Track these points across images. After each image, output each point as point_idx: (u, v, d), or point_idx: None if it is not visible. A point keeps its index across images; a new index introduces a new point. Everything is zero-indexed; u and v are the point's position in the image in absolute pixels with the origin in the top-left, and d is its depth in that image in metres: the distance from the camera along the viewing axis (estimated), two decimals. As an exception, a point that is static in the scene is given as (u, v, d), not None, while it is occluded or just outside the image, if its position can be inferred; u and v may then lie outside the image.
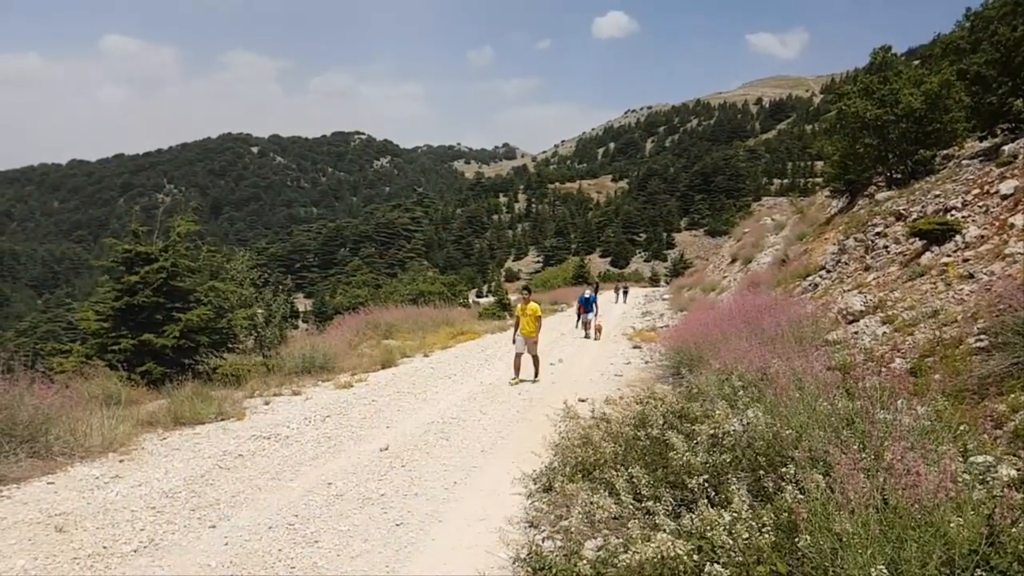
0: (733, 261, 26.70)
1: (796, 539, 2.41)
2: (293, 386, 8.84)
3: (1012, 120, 11.52)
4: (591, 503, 3.42)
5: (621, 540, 3.00)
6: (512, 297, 29.43)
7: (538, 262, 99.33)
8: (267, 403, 7.80)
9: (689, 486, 3.24)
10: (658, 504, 3.20)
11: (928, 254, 8.39)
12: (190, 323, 8.24)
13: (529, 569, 3.15)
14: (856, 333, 7.08)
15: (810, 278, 11.87)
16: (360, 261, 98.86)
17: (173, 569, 3.43)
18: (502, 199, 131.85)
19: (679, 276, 52.40)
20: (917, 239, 8.97)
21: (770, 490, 2.96)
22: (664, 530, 2.75)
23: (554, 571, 3.00)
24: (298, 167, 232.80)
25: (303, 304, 68.26)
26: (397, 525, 4.02)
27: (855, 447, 2.81)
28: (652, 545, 2.60)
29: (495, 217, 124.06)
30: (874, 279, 9.11)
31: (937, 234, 8.45)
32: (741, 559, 2.53)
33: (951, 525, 2.25)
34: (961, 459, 2.87)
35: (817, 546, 2.35)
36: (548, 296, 35.52)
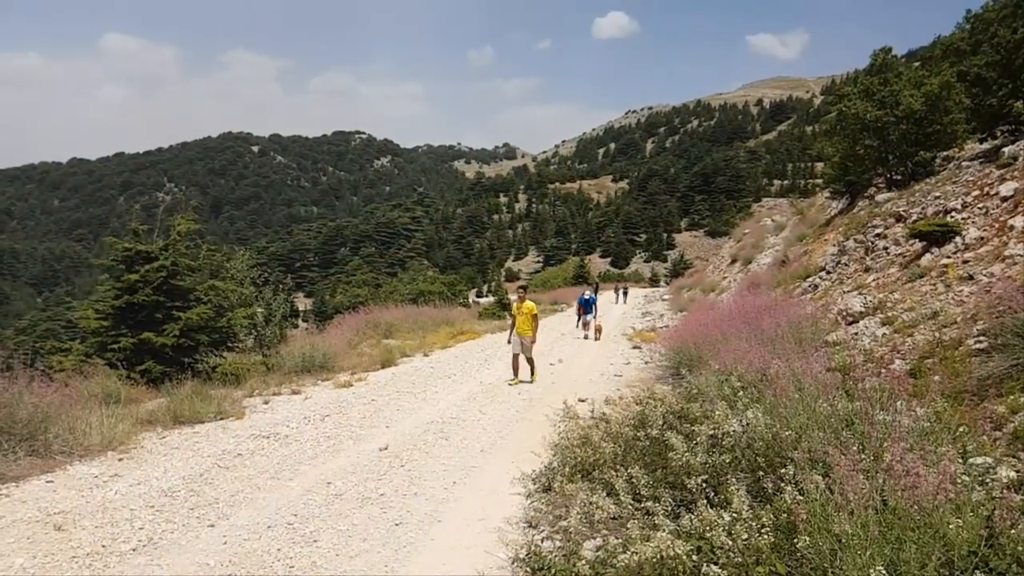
0: (733, 262, 26.71)
1: (795, 540, 2.41)
2: (293, 385, 8.84)
3: (1012, 122, 11.53)
4: (590, 503, 3.42)
5: (620, 540, 3.00)
6: (512, 297, 29.40)
7: (538, 262, 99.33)
8: (266, 402, 7.80)
9: (688, 486, 3.23)
10: (657, 504, 3.20)
11: (928, 255, 8.39)
12: (190, 322, 8.24)
13: (528, 569, 3.15)
14: (856, 334, 7.08)
15: (810, 279, 11.87)
16: (360, 260, 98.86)
17: (172, 568, 3.43)
18: (502, 199, 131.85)
19: (679, 277, 52.42)
20: (917, 240, 8.97)
21: (769, 491, 2.96)
22: (663, 530, 2.75)
23: (553, 571, 3.00)
24: (298, 166, 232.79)
25: (303, 303, 68.25)
26: (396, 525, 4.02)
27: (854, 448, 2.81)
28: (651, 545, 2.60)
29: (495, 217, 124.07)
30: (874, 280, 9.11)
31: (937, 236, 8.45)
32: (740, 560, 2.53)
33: (950, 526, 2.25)
34: (960, 460, 2.87)
35: (816, 547, 2.35)
36: (548, 296, 35.52)
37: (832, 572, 2.27)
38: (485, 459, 5.46)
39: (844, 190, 16.91)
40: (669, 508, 3.22)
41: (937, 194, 10.08)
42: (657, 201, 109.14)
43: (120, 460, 5.30)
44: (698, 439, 3.69)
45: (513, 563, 3.35)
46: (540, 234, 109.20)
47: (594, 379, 9.63)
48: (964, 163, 11.40)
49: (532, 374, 9.44)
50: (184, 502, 4.37)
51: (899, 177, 13.46)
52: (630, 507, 3.32)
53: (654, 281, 70.41)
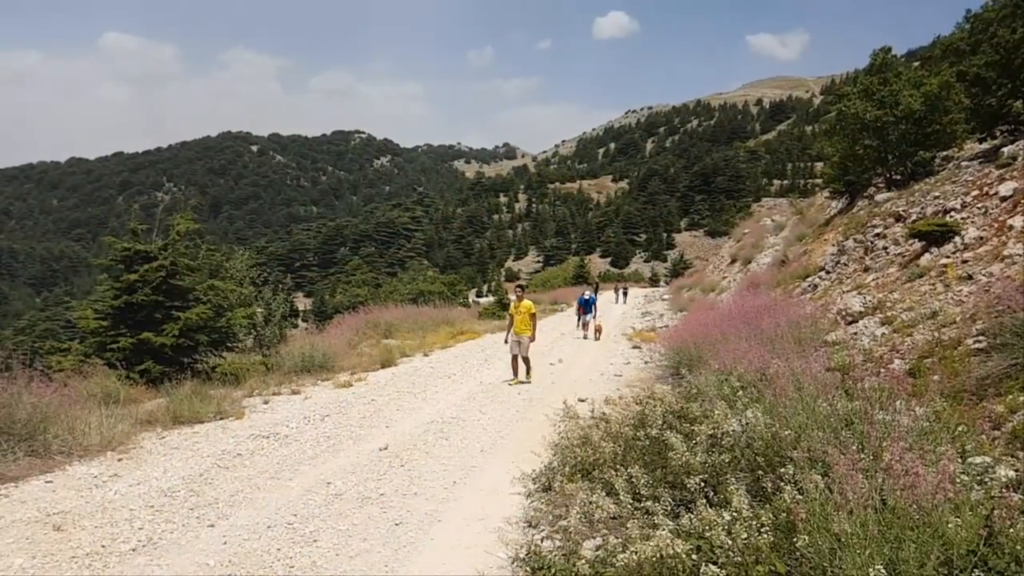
0: (733, 262, 26.72)
1: (795, 539, 2.41)
2: (292, 385, 8.84)
3: (1011, 122, 11.55)
4: (590, 503, 3.42)
5: (620, 540, 3.00)
6: (512, 297, 29.35)
7: (538, 262, 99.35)
8: (266, 402, 7.80)
9: (688, 486, 3.24)
10: (657, 504, 3.21)
11: (927, 255, 8.39)
12: (189, 322, 8.23)
13: (528, 569, 3.15)
14: (855, 334, 7.09)
15: (809, 279, 11.88)
16: (360, 260, 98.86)
17: (171, 568, 3.43)
18: (502, 199, 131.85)
19: (679, 276, 52.43)
20: (916, 240, 8.97)
21: (769, 490, 2.96)
22: (663, 530, 2.75)
23: (553, 571, 3.00)
24: (298, 166, 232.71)
25: (303, 303, 68.23)
26: (396, 524, 4.02)
27: (854, 448, 2.81)
28: (651, 544, 2.60)
29: (495, 217, 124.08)
30: (873, 280, 9.11)
31: (936, 235, 8.45)
32: (740, 559, 2.53)
33: (949, 526, 2.25)
34: (959, 460, 2.87)
35: (816, 546, 2.35)
36: (548, 296, 35.50)
37: (831, 571, 2.27)
38: (485, 459, 5.46)
39: (844, 190, 16.92)
40: (669, 507, 3.22)
41: (936, 194, 10.09)
42: (657, 201, 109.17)
43: (119, 460, 5.30)
44: (698, 439, 3.70)
45: (513, 563, 3.35)
46: (540, 234, 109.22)
47: (594, 379, 9.63)
48: (963, 163, 11.41)
49: (528, 374, 9.34)
50: (184, 502, 4.37)
51: (899, 177, 13.47)
52: (630, 507, 3.32)
53: (654, 281, 70.43)
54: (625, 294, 35.87)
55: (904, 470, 2.41)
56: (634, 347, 13.52)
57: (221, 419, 6.79)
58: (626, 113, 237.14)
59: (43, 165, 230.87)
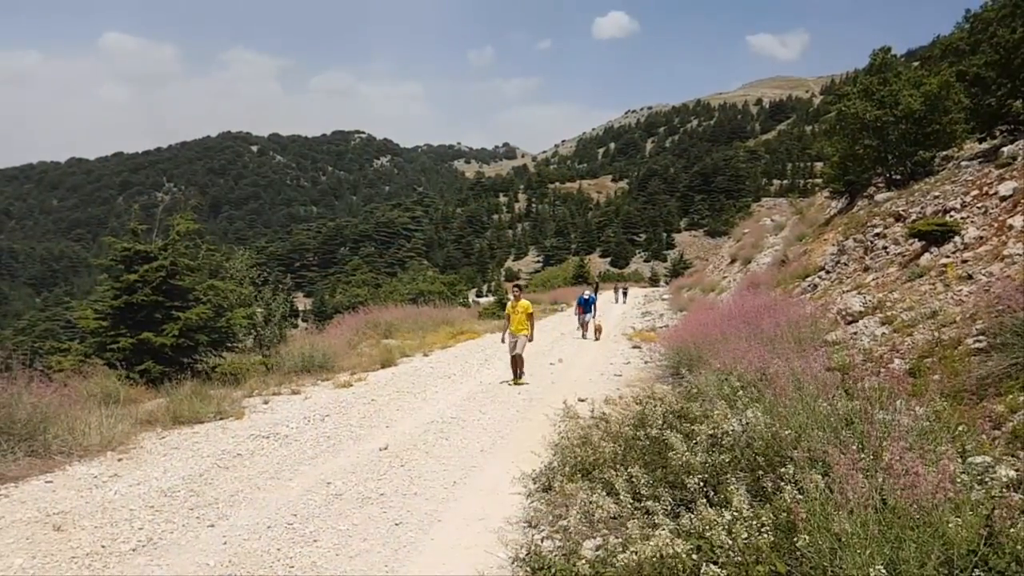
0: (733, 261, 26.72)
1: (795, 539, 2.41)
2: (292, 385, 8.84)
3: (1011, 121, 11.55)
4: (590, 503, 3.42)
5: (620, 540, 3.00)
6: (510, 297, 29.33)
7: (538, 262, 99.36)
8: (266, 402, 7.80)
9: (688, 486, 3.24)
10: (657, 504, 3.20)
11: (927, 255, 8.39)
12: (189, 322, 8.23)
13: (528, 569, 3.15)
14: (855, 334, 7.09)
15: (809, 279, 11.88)
16: (360, 260, 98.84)
17: (171, 568, 3.43)
18: (502, 199, 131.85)
19: (679, 276, 52.42)
20: (916, 240, 8.97)
21: (769, 490, 2.96)
22: (663, 530, 2.75)
23: (553, 571, 3.00)
24: (298, 166, 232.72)
25: (302, 303, 68.26)
26: (396, 524, 4.02)
27: (854, 447, 2.81)
28: (651, 544, 2.60)
29: (495, 217, 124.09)
30: (873, 280, 9.11)
31: (936, 235, 8.45)
32: (740, 559, 2.53)
33: (949, 525, 2.25)
34: (960, 459, 2.87)
35: (816, 546, 2.35)
36: (548, 296, 35.49)
37: (832, 571, 2.27)
38: (485, 459, 5.46)
39: (843, 190, 16.92)
40: (669, 507, 3.22)
41: (936, 194, 10.09)
42: (657, 201, 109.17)
43: (119, 460, 5.30)
44: (698, 439, 3.70)
45: (513, 563, 3.35)
46: (540, 234, 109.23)
47: (594, 379, 9.62)
48: (963, 163, 11.41)
49: (521, 374, 9.23)
50: (184, 502, 4.37)
51: (898, 177, 13.47)
52: (630, 506, 3.32)
53: (654, 281, 70.42)
54: (625, 294, 35.85)
55: (904, 470, 2.41)
56: (634, 347, 13.52)
57: (221, 419, 6.79)
58: (626, 113, 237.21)
59: (43, 165, 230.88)
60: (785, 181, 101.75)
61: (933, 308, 6.44)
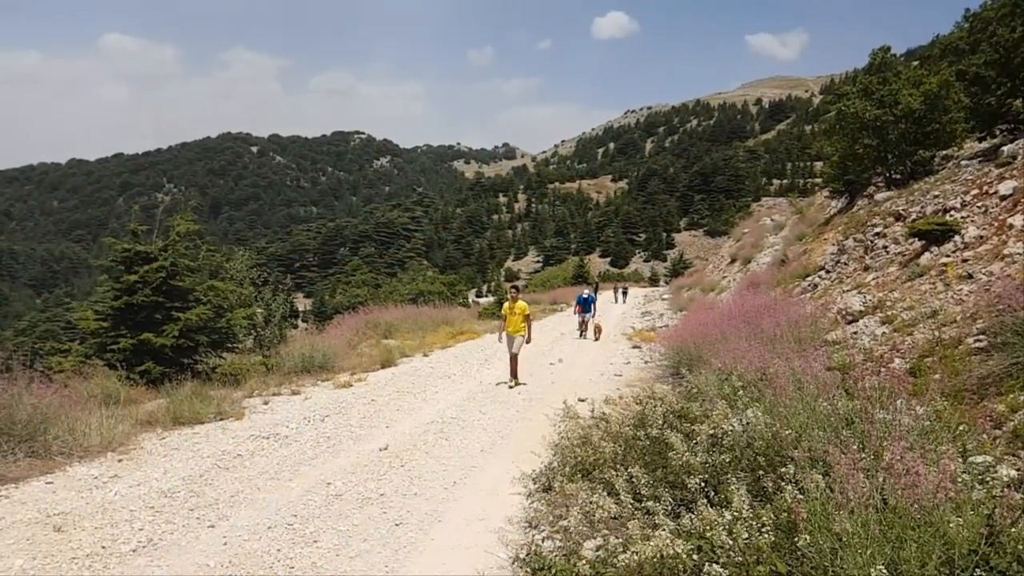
0: (732, 261, 26.72)
1: (796, 539, 2.41)
2: (292, 386, 8.84)
3: (1011, 121, 11.54)
4: (590, 503, 3.42)
5: (620, 540, 3.00)
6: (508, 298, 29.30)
7: (538, 262, 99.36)
8: (266, 403, 7.80)
9: (688, 486, 3.23)
10: (657, 504, 3.20)
11: (927, 254, 8.39)
12: (189, 323, 8.23)
13: (528, 569, 3.15)
14: (855, 333, 7.08)
15: (809, 278, 11.88)
16: (360, 261, 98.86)
17: (172, 569, 3.42)
18: (502, 199, 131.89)
19: (679, 276, 52.42)
20: (916, 239, 8.97)
21: (770, 490, 2.96)
22: (664, 530, 2.75)
23: (553, 571, 3.00)
24: (298, 166, 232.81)
25: (302, 303, 68.30)
26: (396, 525, 4.02)
27: (854, 447, 2.81)
28: (651, 544, 2.59)
29: (495, 217, 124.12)
30: (873, 279, 9.11)
31: (936, 234, 8.45)
32: (741, 559, 2.53)
33: (950, 525, 2.25)
34: (960, 459, 2.87)
35: (817, 546, 2.35)
36: (548, 296, 35.48)
37: (833, 571, 2.27)
38: (485, 459, 5.46)
39: (843, 189, 16.92)
40: (669, 508, 3.22)
41: (936, 193, 10.09)
42: (656, 201, 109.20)
43: (120, 461, 5.29)
44: (698, 438, 3.69)
45: (513, 563, 3.35)
46: (540, 234, 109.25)
47: (594, 379, 9.62)
48: (963, 162, 11.41)
49: (516, 375, 9.14)
50: (184, 503, 4.37)
51: (898, 176, 13.47)
52: (630, 507, 3.32)
53: (654, 281, 70.43)
54: (625, 294, 35.84)
55: (905, 469, 2.41)
56: (634, 347, 13.51)
57: (221, 420, 6.79)
58: (625, 113, 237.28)
59: (43, 166, 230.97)
60: (785, 181, 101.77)
61: (933, 307, 6.44)
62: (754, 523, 2.61)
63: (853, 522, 2.32)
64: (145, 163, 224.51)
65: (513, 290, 10.03)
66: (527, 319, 9.38)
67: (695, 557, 2.59)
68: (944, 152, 13.10)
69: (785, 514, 2.63)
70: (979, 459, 3.00)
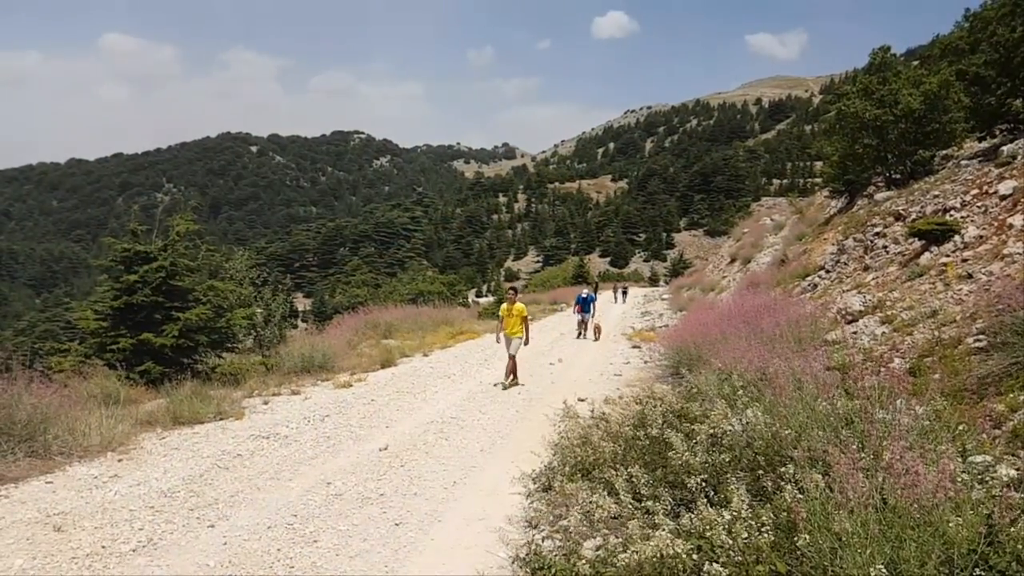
0: (732, 261, 26.73)
1: (795, 538, 2.41)
2: (292, 386, 8.84)
3: (1011, 121, 11.54)
4: (590, 503, 3.42)
5: (620, 539, 3.00)
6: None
7: (538, 262, 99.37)
8: (266, 403, 7.80)
9: (688, 486, 3.24)
10: (657, 504, 3.20)
11: (927, 254, 8.39)
12: (189, 322, 8.23)
13: (528, 569, 3.15)
14: (855, 333, 7.09)
15: (809, 278, 11.88)
16: (359, 260, 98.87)
17: (172, 569, 3.43)
18: (502, 199, 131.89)
19: (678, 276, 52.41)
20: (916, 239, 8.97)
21: (769, 490, 2.96)
22: (663, 529, 2.75)
23: (553, 571, 3.00)
24: (297, 166, 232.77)
25: (302, 303, 68.32)
26: (396, 525, 4.02)
27: (854, 447, 2.81)
28: (651, 544, 2.60)
29: (495, 217, 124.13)
30: (873, 279, 9.11)
31: (936, 234, 8.45)
32: (740, 558, 2.53)
33: (950, 525, 2.25)
34: (960, 459, 2.87)
35: (816, 545, 2.35)
36: (547, 296, 35.47)
37: (832, 570, 2.27)
38: (485, 459, 5.46)
39: (843, 189, 16.93)
40: (669, 507, 3.22)
41: (936, 193, 10.09)
42: (656, 201, 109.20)
43: (120, 461, 5.29)
44: (698, 438, 3.69)
45: (513, 563, 3.35)
46: (539, 234, 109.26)
47: (594, 379, 9.62)
48: (963, 162, 11.41)
49: (514, 376, 9.13)
50: (184, 503, 4.37)
51: (898, 176, 13.47)
52: (630, 506, 3.32)
53: (653, 281, 70.44)
54: (624, 294, 35.82)
55: (905, 469, 2.41)
56: (634, 347, 13.51)
57: (221, 420, 6.79)
58: (625, 113, 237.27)
59: (43, 166, 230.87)
60: (785, 181, 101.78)
61: (933, 307, 6.44)
62: (754, 523, 2.61)
63: (853, 522, 2.32)
64: (145, 163, 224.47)
65: (511, 292, 10.00)
66: (525, 321, 9.36)
67: (695, 557, 2.59)
68: (944, 152, 13.10)
69: (785, 514, 2.64)
70: (978, 459, 3.00)
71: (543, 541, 3.59)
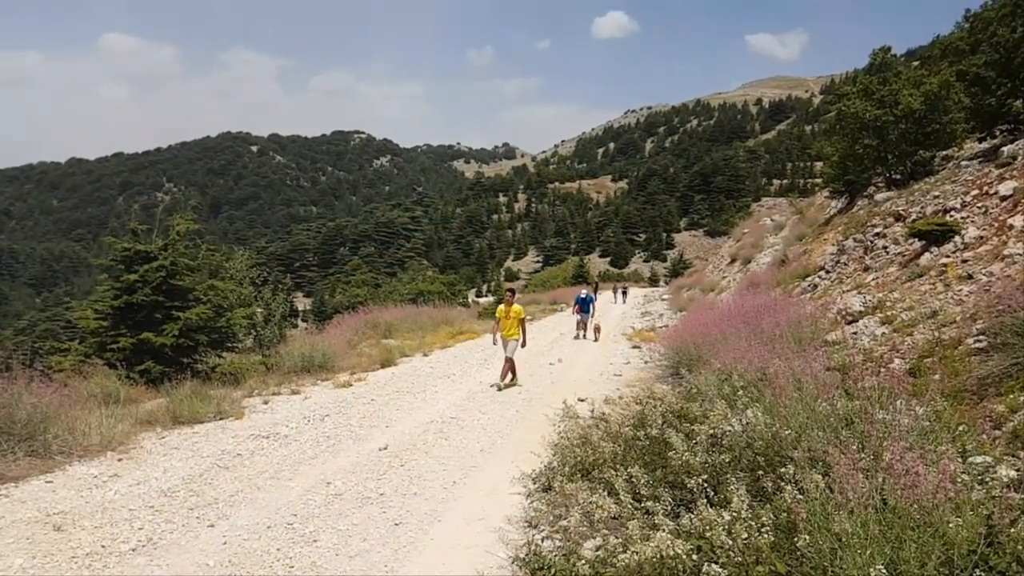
0: (732, 261, 26.73)
1: (795, 539, 2.41)
2: (292, 385, 8.83)
3: (1011, 121, 11.54)
4: (590, 503, 3.42)
5: (620, 540, 3.00)
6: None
7: (538, 262, 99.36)
8: (266, 402, 7.80)
9: (688, 486, 3.23)
10: (657, 504, 3.20)
11: (927, 255, 8.39)
12: (189, 322, 8.23)
13: (528, 569, 3.15)
14: (855, 333, 7.08)
15: (809, 279, 11.88)
16: (359, 260, 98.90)
17: (171, 568, 3.42)
18: (502, 199, 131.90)
19: (678, 276, 52.42)
20: (916, 240, 8.97)
21: (769, 490, 2.96)
22: (663, 530, 2.75)
23: (553, 571, 3.00)
24: (297, 166, 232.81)
25: (302, 303, 68.35)
26: (396, 524, 4.02)
27: (854, 447, 2.81)
28: (651, 545, 2.60)
29: (495, 217, 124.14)
30: (873, 280, 9.11)
31: (936, 235, 8.45)
32: (740, 559, 2.53)
33: (950, 525, 2.25)
34: (960, 459, 2.87)
35: (816, 546, 2.35)
36: (547, 296, 35.47)
37: (832, 571, 2.27)
38: (485, 459, 5.46)
39: (843, 189, 16.93)
40: (669, 508, 3.22)
41: (936, 193, 10.09)
42: (656, 201, 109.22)
43: (119, 460, 5.29)
44: (698, 438, 3.69)
45: (513, 563, 3.35)
46: (539, 234, 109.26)
47: (594, 379, 9.62)
48: (963, 162, 11.41)
49: (513, 377, 9.14)
50: (184, 502, 4.37)
51: (898, 176, 13.47)
52: (630, 507, 3.32)
53: (653, 281, 70.44)
54: (624, 294, 35.82)
55: (905, 470, 2.41)
56: (634, 347, 13.51)
57: (221, 419, 6.79)
58: (625, 113, 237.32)
59: (43, 166, 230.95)
60: (785, 181, 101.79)
61: (933, 308, 6.44)
62: (753, 523, 2.61)
63: (852, 522, 2.32)
64: (145, 162, 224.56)
65: (509, 293, 9.97)
66: (522, 323, 9.34)
67: (695, 557, 2.59)
68: (944, 152, 13.09)
69: (784, 514, 2.64)
70: (979, 459, 3.00)
71: (543, 541, 3.59)
